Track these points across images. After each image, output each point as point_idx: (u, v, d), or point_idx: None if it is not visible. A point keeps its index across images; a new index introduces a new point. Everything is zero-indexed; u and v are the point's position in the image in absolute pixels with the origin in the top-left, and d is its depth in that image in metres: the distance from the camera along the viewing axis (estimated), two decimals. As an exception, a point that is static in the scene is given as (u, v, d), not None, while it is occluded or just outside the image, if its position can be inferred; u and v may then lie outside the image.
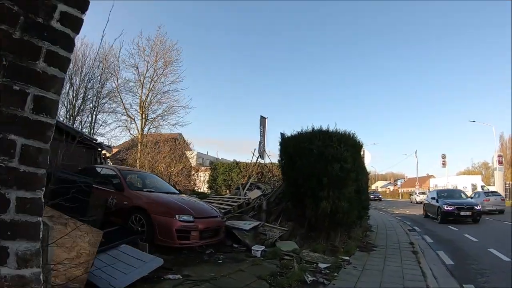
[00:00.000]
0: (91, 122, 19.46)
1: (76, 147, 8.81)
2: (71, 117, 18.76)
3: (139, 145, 17.19)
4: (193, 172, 18.53)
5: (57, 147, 7.93)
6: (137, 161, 17.16)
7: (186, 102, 21.03)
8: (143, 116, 18.35)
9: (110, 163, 11.38)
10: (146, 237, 5.23)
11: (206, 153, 37.39)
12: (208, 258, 5.06)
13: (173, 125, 19.09)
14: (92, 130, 19.56)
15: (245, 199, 8.43)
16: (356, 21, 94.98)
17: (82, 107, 19.19)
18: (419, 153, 63.31)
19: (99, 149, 9.76)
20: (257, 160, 11.84)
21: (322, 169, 6.18)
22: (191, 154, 24.44)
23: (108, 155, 13.31)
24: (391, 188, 70.13)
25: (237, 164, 16.76)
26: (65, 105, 18.60)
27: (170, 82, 18.95)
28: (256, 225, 6.69)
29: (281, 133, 7.90)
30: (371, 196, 24.20)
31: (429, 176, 55.24)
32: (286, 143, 7.34)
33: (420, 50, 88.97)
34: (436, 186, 36.41)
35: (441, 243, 7.89)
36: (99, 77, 18.83)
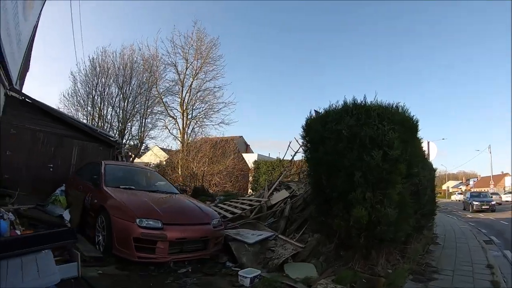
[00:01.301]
0: (140, 126, 20.21)
1: (92, 144, 8.66)
2: (124, 123, 19.61)
3: (180, 145, 17.04)
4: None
5: (73, 144, 7.87)
6: (179, 162, 17.02)
7: (228, 98, 20.26)
8: (185, 115, 18.14)
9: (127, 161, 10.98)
10: (104, 245, 4.16)
11: (268, 155, 36.53)
12: (171, 281, 3.64)
13: (218, 123, 18.46)
14: (142, 134, 20.22)
15: (262, 201, 6.82)
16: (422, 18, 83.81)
17: (132, 112, 20.00)
18: (493, 148, 56.86)
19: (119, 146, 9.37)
20: (294, 154, 10.03)
21: (355, 159, 4.23)
22: (249, 155, 23.81)
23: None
24: (463, 188, 63.18)
25: (280, 161, 15.11)
26: (117, 112, 19.51)
27: (211, 79, 18.40)
28: (266, 237, 5.06)
29: (315, 110, 5.60)
30: (479, 203, 18.90)
31: (504, 174, 52.21)
32: (310, 126, 5.49)
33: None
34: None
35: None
36: (145, 80, 19.34)
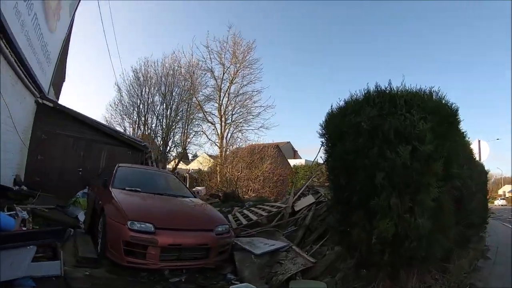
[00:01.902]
0: (182, 134, 20.91)
1: (121, 149, 8.99)
2: (167, 130, 20.45)
3: (219, 151, 17.18)
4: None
5: (101, 149, 8.25)
6: (217, 167, 17.15)
7: (266, 102, 19.92)
8: (223, 121, 18.29)
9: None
10: (100, 247, 4.06)
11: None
12: (155, 292, 3.34)
13: (258, 128, 18.27)
14: (184, 141, 20.84)
15: (282, 208, 6.26)
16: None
17: (175, 119, 20.80)
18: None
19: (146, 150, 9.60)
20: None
21: (376, 156, 3.51)
22: (296, 161, 23.23)
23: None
24: (523, 193, 56.07)
25: (318, 165, 14.22)
26: (160, 120, 20.40)
27: (248, 83, 18.33)
28: (277, 248, 4.51)
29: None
30: None
31: None
32: (329, 121, 4.85)
33: None
34: None
35: None
36: (186, 88, 19.98)
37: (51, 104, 7.06)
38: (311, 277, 3.85)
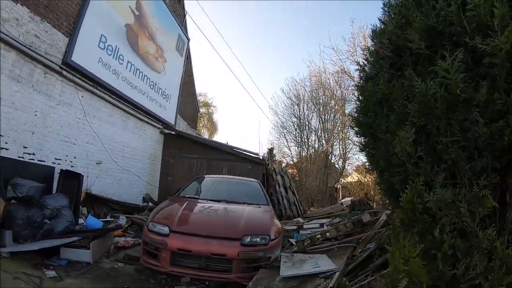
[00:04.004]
0: (339, 145, 20.07)
1: (241, 164, 9.70)
2: (327, 144, 20.29)
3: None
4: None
5: (222, 166, 9.32)
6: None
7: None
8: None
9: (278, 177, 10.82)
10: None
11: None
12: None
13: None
14: (344, 154, 19.91)
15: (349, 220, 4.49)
16: None
17: (333, 132, 20.35)
18: None
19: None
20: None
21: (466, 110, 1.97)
22: None
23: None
24: None
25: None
26: (318, 134, 20.63)
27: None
28: (313, 272, 3.24)
29: None
30: None
31: None
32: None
33: None
34: None
35: None
36: (337, 98, 19.31)
37: (173, 133, 8.75)
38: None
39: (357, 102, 3.41)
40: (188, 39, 10.54)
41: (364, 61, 3.29)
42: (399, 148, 2.07)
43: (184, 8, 10.83)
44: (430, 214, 1.86)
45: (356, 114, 3.25)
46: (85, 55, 5.59)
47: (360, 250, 3.95)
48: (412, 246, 1.82)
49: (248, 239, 3.63)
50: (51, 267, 3.29)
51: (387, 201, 4.05)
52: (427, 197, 1.83)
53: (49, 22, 4.79)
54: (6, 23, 3.96)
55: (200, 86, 37.53)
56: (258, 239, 3.69)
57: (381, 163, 2.66)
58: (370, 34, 3.22)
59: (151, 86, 7.85)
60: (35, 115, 4.59)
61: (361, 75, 3.36)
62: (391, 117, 2.37)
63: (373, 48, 2.98)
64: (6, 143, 4.04)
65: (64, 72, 5.13)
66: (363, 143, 3.40)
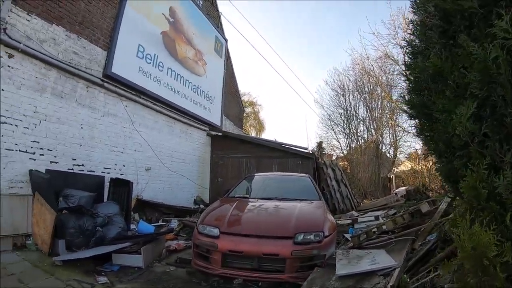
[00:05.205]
0: (389, 134, 18.72)
1: (290, 159, 9.31)
2: (376, 133, 19.00)
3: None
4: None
5: (271, 163, 9.08)
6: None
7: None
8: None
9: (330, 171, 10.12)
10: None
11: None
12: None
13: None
14: (395, 142, 18.59)
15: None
16: None
17: (381, 120, 19.00)
18: None
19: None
20: None
21: None
22: None
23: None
24: None
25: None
26: (366, 124, 19.38)
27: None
28: (373, 269, 2.80)
29: None
30: None
31: None
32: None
33: None
34: None
35: None
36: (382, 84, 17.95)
37: (220, 134, 8.74)
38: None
39: (407, 82, 2.98)
40: (226, 40, 10.54)
41: (409, 36, 2.86)
42: (459, 127, 1.76)
43: (218, 10, 10.86)
44: (497, 201, 1.64)
45: (407, 96, 2.83)
46: (124, 65, 5.80)
47: (420, 243, 3.47)
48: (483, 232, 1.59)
49: (301, 237, 3.40)
50: (103, 273, 3.36)
51: (448, 188, 3.46)
52: (496, 181, 1.62)
53: (86, 38, 5.04)
54: (44, 43, 4.22)
55: (243, 86, 38.17)
56: (311, 236, 3.43)
57: (440, 145, 2.26)
58: (411, 6, 2.81)
59: (194, 90, 7.94)
60: (81, 127, 4.85)
61: (407, 51, 2.93)
62: (446, 93, 2.04)
63: (417, 20, 2.58)
64: (55, 156, 4.30)
65: (106, 84, 5.37)
66: (419, 126, 2.94)
